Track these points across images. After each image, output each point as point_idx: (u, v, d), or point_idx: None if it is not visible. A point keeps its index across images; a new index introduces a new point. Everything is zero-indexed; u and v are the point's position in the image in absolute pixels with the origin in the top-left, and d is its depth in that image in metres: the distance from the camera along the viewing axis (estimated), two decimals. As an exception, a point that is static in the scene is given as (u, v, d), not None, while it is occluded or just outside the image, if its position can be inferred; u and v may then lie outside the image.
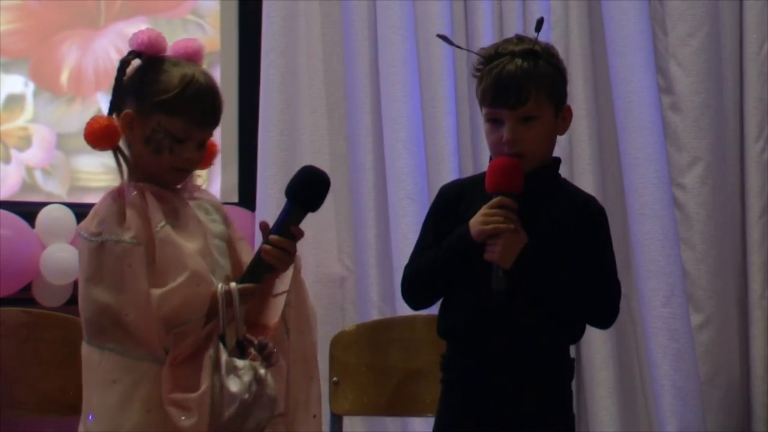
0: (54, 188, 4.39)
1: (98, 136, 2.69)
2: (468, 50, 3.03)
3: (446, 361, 2.76)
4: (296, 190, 2.70)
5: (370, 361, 3.24)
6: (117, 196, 2.69)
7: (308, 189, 2.70)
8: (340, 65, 4.33)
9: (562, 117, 2.74)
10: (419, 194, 4.13)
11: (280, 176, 4.11)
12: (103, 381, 2.63)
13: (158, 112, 2.67)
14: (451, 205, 2.76)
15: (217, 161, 2.95)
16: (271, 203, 4.11)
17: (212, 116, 2.72)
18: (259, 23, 4.29)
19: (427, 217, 2.82)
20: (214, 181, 4.42)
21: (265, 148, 4.22)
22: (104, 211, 2.68)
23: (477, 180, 2.79)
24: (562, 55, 4.20)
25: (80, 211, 4.16)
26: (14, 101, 4.39)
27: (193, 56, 2.76)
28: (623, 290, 4.19)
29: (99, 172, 4.37)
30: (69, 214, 4.11)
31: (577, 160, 4.26)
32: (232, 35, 4.46)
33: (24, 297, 4.05)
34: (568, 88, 4.17)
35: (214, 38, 4.52)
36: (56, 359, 3.18)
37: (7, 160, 4.37)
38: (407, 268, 2.78)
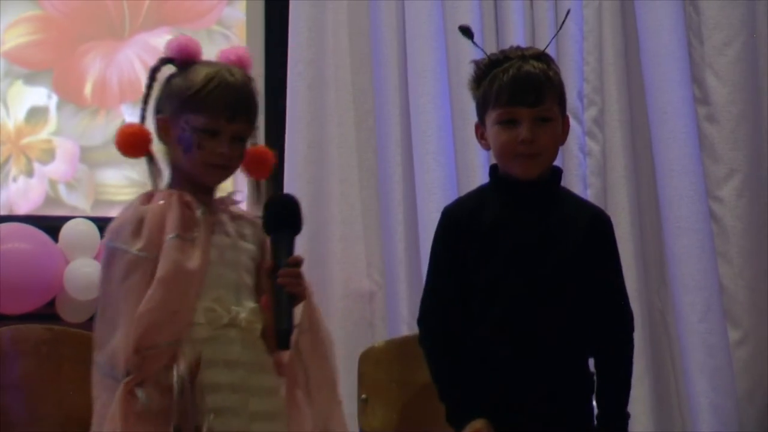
0: (78, 202, 4.38)
1: (128, 143, 2.68)
2: (485, 52, 2.96)
3: None
4: (265, 220, 2.68)
5: (399, 377, 3.23)
6: (145, 200, 2.65)
7: (271, 213, 2.69)
8: (368, 76, 4.31)
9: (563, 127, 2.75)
10: (450, 207, 4.09)
11: (308, 190, 4.10)
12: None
13: (185, 110, 2.64)
14: (461, 225, 2.74)
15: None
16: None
17: (238, 108, 2.66)
18: (286, 34, 4.27)
19: (435, 244, 2.80)
20: (240, 194, 4.38)
21: (292, 161, 4.18)
22: (125, 217, 2.64)
23: (474, 196, 2.83)
24: (595, 64, 4.25)
25: (104, 225, 4.09)
26: (37, 113, 4.39)
27: (237, 62, 2.73)
28: (659, 305, 4.23)
29: (123, 186, 4.35)
30: (93, 229, 4.10)
31: (612, 171, 4.24)
32: (258, 46, 4.43)
33: (48, 312, 4.05)
34: (602, 99, 4.24)
35: (239, 49, 4.51)
36: (79, 376, 3.15)
37: (30, 173, 4.36)
38: (426, 314, 2.74)
